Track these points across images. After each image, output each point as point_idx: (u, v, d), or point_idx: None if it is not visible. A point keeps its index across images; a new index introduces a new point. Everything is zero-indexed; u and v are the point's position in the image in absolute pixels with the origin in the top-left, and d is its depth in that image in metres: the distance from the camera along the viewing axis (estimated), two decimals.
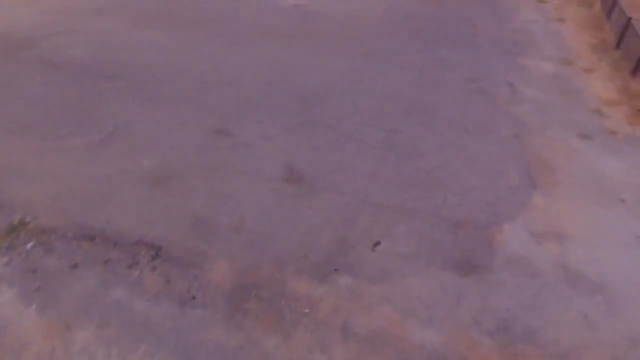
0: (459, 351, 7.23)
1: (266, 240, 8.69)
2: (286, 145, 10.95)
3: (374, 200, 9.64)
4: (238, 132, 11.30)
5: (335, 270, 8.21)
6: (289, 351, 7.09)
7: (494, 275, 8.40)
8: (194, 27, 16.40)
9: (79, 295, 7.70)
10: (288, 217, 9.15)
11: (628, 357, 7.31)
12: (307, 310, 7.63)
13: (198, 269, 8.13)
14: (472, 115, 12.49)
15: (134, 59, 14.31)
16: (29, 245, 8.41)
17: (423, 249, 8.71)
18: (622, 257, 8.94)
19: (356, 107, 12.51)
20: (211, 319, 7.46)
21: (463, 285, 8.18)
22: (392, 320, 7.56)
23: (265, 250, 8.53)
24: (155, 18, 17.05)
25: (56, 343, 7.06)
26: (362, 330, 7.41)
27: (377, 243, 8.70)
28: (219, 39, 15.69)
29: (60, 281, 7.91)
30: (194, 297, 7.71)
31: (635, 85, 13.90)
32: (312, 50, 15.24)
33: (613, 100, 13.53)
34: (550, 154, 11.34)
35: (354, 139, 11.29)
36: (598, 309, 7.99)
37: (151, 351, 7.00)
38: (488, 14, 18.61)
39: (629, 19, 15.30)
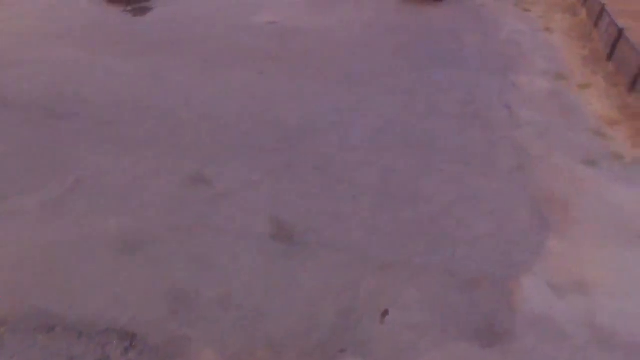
0: None
1: (258, 317, 7.64)
2: (271, 193, 9.93)
3: (376, 257, 8.71)
4: (217, 180, 10.20)
5: (342, 351, 7.22)
6: None
7: (519, 343, 7.57)
8: (161, 52, 15.17)
9: None
10: (281, 284, 8.13)
11: None
12: None
13: None
14: (470, 144, 11.72)
15: (96, 94, 13.02)
16: None
17: (437, 316, 7.82)
18: None
19: (345, 141, 11.58)
20: None
21: (485, 358, 7.31)
22: None
23: (258, 329, 7.49)
24: (120, 42, 15.74)
25: None
26: None
27: (386, 312, 7.77)
28: (189, 65, 14.53)
29: None
30: None
31: (633, 102, 13.41)
32: (292, 75, 14.24)
33: (613, 119, 13.00)
34: (558, 185, 10.66)
35: (345, 181, 10.35)
36: None
37: None
38: (472, 25, 18.00)
39: (621, 30, 14.84)
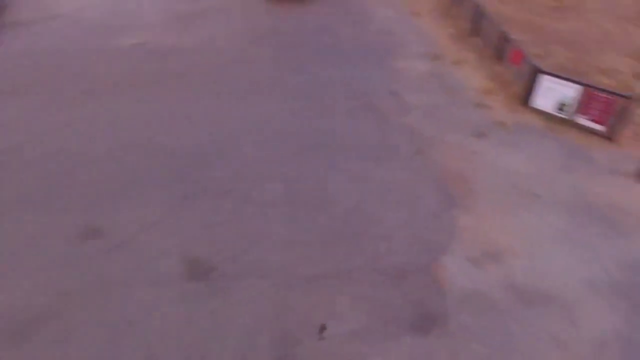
0: None
1: None
2: (176, 231, 9.24)
3: (301, 273, 8.48)
4: (110, 229, 9.26)
5: None
6: None
7: (455, 322, 7.82)
8: (21, 89, 13.47)
9: None
10: (209, 328, 7.58)
11: None
12: None
13: None
14: (368, 138, 11.93)
15: None
16: None
17: (373, 318, 7.81)
18: (557, 257, 9.02)
19: (244, 158, 11.17)
20: None
21: (430, 345, 7.45)
22: None
23: None
24: None
25: None
26: None
27: (323, 327, 7.58)
28: (55, 101, 13.06)
29: None
30: None
31: (502, 70, 14.58)
32: (172, 97, 13.45)
33: (489, 89, 14.04)
34: (456, 163, 11.24)
35: (251, 201, 9.97)
36: (560, 323, 7.83)
37: None
38: (344, 18, 18.42)
39: (480, 6, 16.08)
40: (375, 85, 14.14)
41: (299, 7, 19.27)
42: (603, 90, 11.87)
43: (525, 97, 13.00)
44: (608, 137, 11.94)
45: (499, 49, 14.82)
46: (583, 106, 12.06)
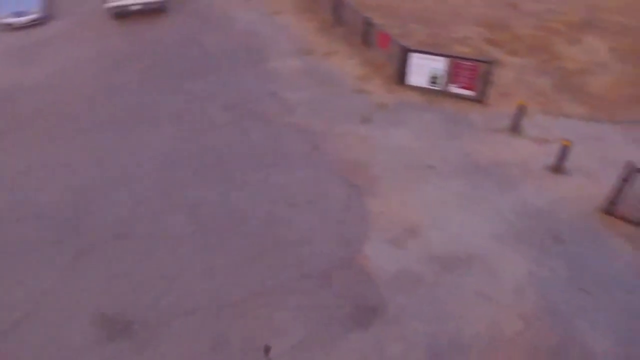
0: None
1: None
2: (78, 291, 8.31)
3: (229, 299, 8.12)
4: (3, 311, 8.05)
5: None
6: None
7: (392, 307, 8.04)
8: None
9: None
10: None
11: (527, 310, 7.89)
12: None
13: None
14: (259, 145, 11.77)
15: None
16: None
17: (314, 325, 7.75)
18: (464, 219, 9.68)
19: (134, 195, 10.39)
20: None
21: (376, 335, 7.57)
22: None
23: None
24: None
25: None
26: None
27: (268, 348, 7.34)
28: None
29: None
30: None
31: (372, 54, 15.25)
32: (34, 144, 12.05)
33: (365, 75, 14.60)
34: (351, 151, 11.53)
35: (155, 238, 9.32)
36: (482, 279, 8.43)
37: None
38: (205, 26, 17.91)
39: None
40: (253, 90, 13.97)
41: (154, 22, 18.32)
42: (467, 59, 12.97)
43: (399, 77, 13.74)
44: (479, 100, 13.08)
45: (364, 35, 15.47)
46: (452, 76, 13.06)
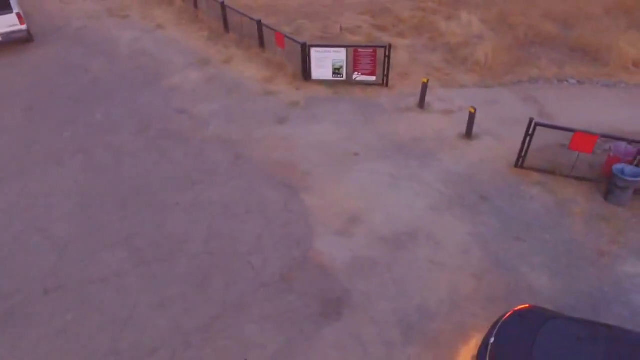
0: None
1: None
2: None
3: (191, 327, 7.89)
4: None
5: None
6: None
7: (356, 295, 8.36)
8: None
9: None
10: None
11: (476, 267, 8.65)
12: None
13: None
14: (181, 165, 11.44)
15: None
16: None
17: (288, 328, 7.81)
18: (399, 198, 10.27)
19: (56, 240, 9.59)
20: None
21: (350, 325, 7.83)
22: None
23: None
24: None
25: None
26: None
27: None
28: None
29: None
30: None
31: (269, 55, 15.43)
32: None
33: (269, 76, 14.74)
34: (276, 154, 11.65)
35: (93, 280, 8.71)
36: (430, 249, 9.06)
37: None
38: (87, 51, 16.80)
39: (223, 3, 16.52)
40: (160, 109, 13.49)
41: (25, 53, 16.78)
42: (365, 47, 13.66)
43: (304, 73, 14.07)
44: (382, 84, 13.85)
45: (259, 38, 15.58)
46: (354, 65, 13.67)
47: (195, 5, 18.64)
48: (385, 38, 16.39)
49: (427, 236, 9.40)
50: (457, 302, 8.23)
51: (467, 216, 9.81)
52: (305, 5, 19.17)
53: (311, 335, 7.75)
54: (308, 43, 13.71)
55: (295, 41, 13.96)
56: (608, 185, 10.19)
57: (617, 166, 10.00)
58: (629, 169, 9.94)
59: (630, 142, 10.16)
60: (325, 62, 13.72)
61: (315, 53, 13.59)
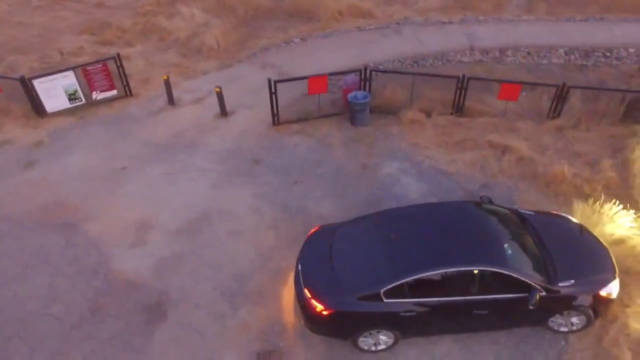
0: None
1: None
2: None
3: None
4: None
5: None
6: None
7: (173, 292, 8.64)
8: None
9: None
10: None
11: (271, 221, 9.72)
12: None
13: None
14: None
15: None
16: None
17: (119, 352, 7.72)
18: (179, 190, 10.77)
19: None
20: None
21: (177, 323, 8.12)
22: None
23: None
24: None
25: None
26: None
27: None
28: None
29: None
30: None
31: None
32: None
33: None
34: (34, 201, 10.91)
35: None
36: (227, 223, 9.80)
37: None
38: None
39: None
40: None
41: None
42: (92, 63, 13.43)
43: (36, 110, 13.19)
44: (125, 95, 13.90)
45: None
46: (89, 85, 13.36)
47: None
48: (114, 51, 16.15)
49: (218, 213, 10.12)
50: (266, 255, 9.19)
51: (248, 181, 10.83)
52: (10, 40, 17.68)
53: (144, 346, 7.87)
54: (27, 76, 12.86)
55: (10, 78, 12.98)
56: (350, 112, 12.27)
57: (351, 94, 12.11)
58: (359, 93, 12.15)
59: (355, 73, 12.34)
60: (55, 91, 13.06)
61: (39, 84, 12.83)
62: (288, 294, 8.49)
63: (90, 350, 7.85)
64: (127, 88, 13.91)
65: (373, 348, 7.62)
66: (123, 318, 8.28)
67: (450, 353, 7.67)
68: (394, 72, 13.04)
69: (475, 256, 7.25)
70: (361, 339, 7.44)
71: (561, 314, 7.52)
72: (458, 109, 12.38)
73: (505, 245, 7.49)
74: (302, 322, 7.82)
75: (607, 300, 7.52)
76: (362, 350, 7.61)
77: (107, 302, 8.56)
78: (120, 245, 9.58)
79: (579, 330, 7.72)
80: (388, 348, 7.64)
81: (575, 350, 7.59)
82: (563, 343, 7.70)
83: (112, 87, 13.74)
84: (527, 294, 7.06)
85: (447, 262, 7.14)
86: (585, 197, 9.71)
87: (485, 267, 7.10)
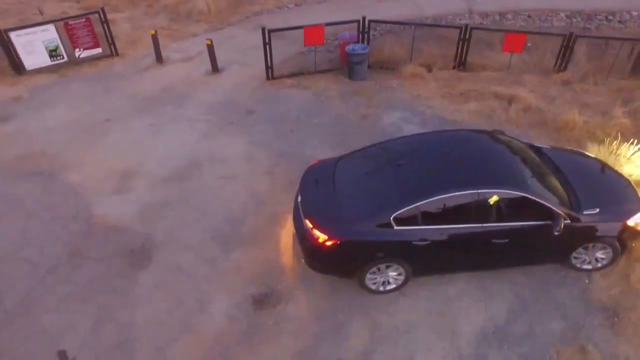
0: None
1: None
2: None
3: None
4: None
5: None
6: None
7: (161, 235, 7.87)
8: None
9: None
10: None
11: (265, 167, 8.97)
12: None
13: None
14: None
15: None
16: None
17: (99, 295, 6.90)
18: (166, 140, 10.01)
19: None
20: None
21: (163, 264, 7.33)
22: None
23: None
24: None
25: None
26: None
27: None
28: None
29: None
30: None
31: None
32: None
33: None
34: (9, 152, 10.06)
35: None
36: (217, 169, 9.04)
37: None
38: None
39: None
40: None
41: None
42: (74, 17, 12.62)
43: (14, 66, 12.32)
44: (111, 54, 13.10)
45: None
46: (71, 41, 12.55)
47: None
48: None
49: (209, 160, 9.36)
50: (261, 199, 8.43)
51: (241, 130, 10.08)
52: None
53: (127, 288, 7.05)
54: (3, 28, 11.99)
55: None
56: (348, 65, 11.60)
57: (348, 47, 11.46)
58: (357, 45, 11.50)
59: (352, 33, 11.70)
60: (34, 45, 12.21)
61: (17, 38, 11.96)
62: (286, 236, 7.74)
63: (66, 293, 7.01)
64: (112, 47, 13.13)
65: (381, 288, 6.87)
66: (104, 262, 7.45)
67: (465, 292, 6.96)
68: (394, 22, 12.42)
69: (497, 179, 6.54)
70: (369, 276, 6.69)
71: (585, 249, 6.87)
72: (460, 63, 11.78)
73: (526, 171, 6.84)
74: (303, 262, 7.05)
75: (636, 231, 6.87)
76: (370, 291, 6.86)
77: (87, 246, 7.72)
78: (102, 193, 8.76)
79: (603, 267, 7.06)
80: (398, 288, 6.90)
81: (602, 288, 6.93)
82: (587, 281, 7.05)
83: (96, 45, 12.94)
84: (550, 222, 6.39)
85: (467, 184, 6.41)
86: (599, 142, 9.13)
87: (508, 190, 6.40)
